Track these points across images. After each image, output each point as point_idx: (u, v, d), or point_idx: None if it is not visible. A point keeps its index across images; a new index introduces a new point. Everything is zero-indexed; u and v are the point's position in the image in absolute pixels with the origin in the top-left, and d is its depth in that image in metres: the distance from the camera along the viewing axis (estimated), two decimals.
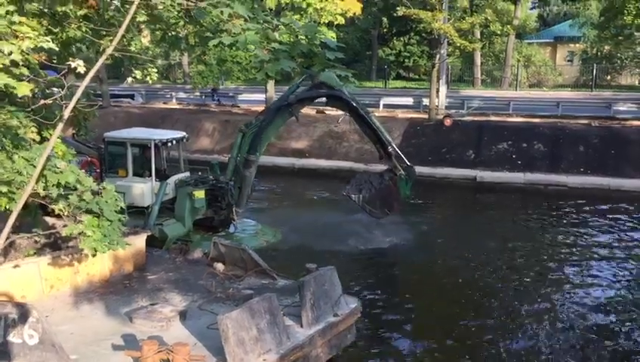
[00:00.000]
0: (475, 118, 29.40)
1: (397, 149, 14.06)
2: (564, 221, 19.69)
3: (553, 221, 19.80)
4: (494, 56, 47.99)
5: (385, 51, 50.22)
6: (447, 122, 28.00)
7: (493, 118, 29.69)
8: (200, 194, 15.26)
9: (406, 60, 49.68)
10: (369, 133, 16.15)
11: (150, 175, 15.22)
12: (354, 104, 14.67)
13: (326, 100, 17.08)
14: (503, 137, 26.83)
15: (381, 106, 32.86)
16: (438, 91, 30.23)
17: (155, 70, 10.07)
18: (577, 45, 49.57)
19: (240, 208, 15.94)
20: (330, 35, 24.42)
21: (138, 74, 9.20)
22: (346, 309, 9.80)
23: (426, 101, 31.22)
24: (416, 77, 51.13)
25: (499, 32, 34.65)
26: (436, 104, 29.98)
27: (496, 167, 25.30)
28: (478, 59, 43.26)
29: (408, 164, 13.93)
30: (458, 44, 28.45)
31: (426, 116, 29.86)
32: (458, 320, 12.11)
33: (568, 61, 50.43)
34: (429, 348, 11.13)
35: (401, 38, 49.48)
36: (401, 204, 13.96)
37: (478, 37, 36.04)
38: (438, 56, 29.52)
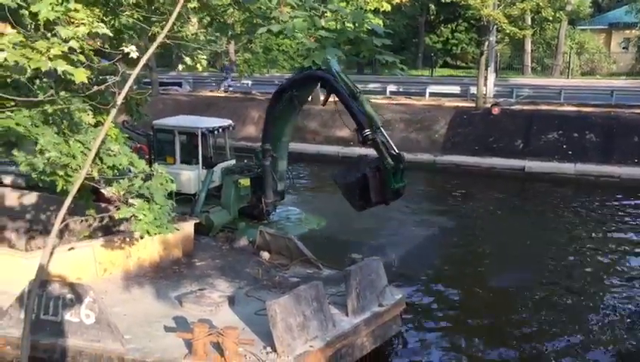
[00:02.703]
0: (525, 107, 28.68)
1: (386, 136, 13.07)
2: (617, 213, 19.05)
3: (605, 213, 19.17)
4: (545, 43, 46.63)
5: (432, 39, 49.45)
6: (495, 111, 27.41)
7: (543, 107, 28.91)
8: (245, 182, 15.37)
9: (454, 48, 48.80)
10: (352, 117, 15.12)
11: (197, 162, 15.41)
12: (336, 86, 13.80)
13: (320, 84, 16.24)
14: (553, 127, 26.11)
15: (427, 95, 32.44)
16: (486, 79, 29.59)
17: (205, 57, 10.16)
18: (633, 32, 47.60)
19: (267, 198, 15.31)
20: (377, 22, 24.15)
21: (188, 61, 9.29)
22: (391, 300, 9.76)
23: (473, 89, 30.63)
24: (464, 65, 50.21)
25: (551, 18, 33.53)
26: (484, 92, 29.37)
27: (545, 157, 24.66)
28: (528, 47, 42.14)
29: (396, 152, 12.81)
30: (508, 31, 27.72)
31: (473, 105, 29.31)
32: (502, 312, 11.89)
33: (623, 48, 48.53)
34: (473, 340, 10.96)
35: (449, 25, 48.61)
36: (388, 196, 12.73)
37: (529, 23, 35.03)
38: (486, 43, 28.87)
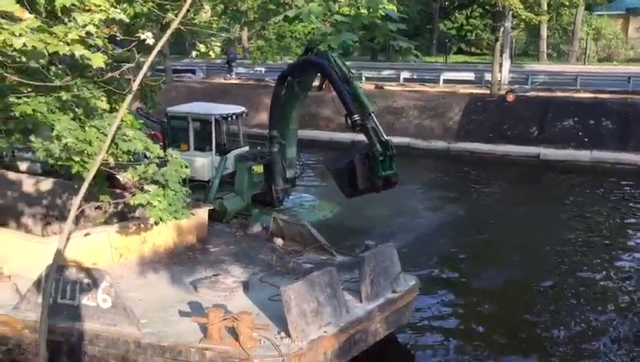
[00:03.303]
0: (540, 94, 28.37)
1: (376, 122, 12.81)
2: (633, 201, 18.87)
3: (621, 200, 19.00)
4: (561, 28, 46.00)
5: (446, 25, 49.00)
6: (510, 98, 27.16)
7: (558, 94, 28.58)
8: (259, 168, 15.42)
9: (468, 34, 48.36)
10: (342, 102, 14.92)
11: (211, 149, 15.47)
12: (329, 71, 13.54)
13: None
14: (568, 113, 25.82)
15: (441, 82, 32.19)
16: (501, 66, 29.29)
17: (218, 44, 10.18)
18: None
19: (277, 185, 15.41)
20: (391, 8, 23.98)
21: (202, 48, 9.31)
22: (404, 286, 9.76)
23: (488, 76, 30.31)
24: (478, 51, 49.75)
25: (567, 4, 33.10)
26: (499, 79, 29.09)
27: (561, 144, 24.42)
28: (544, 32, 41.60)
29: (385, 138, 12.53)
30: (523, 17, 27.39)
31: (487, 91, 29.05)
32: (515, 301, 11.87)
33: None
34: (487, 327, 10.97)
35: (464, 11, 48.12)
36: (377, 184, 12.47)
37: (545, 9, 34.58)
38: (501, 29, 28.55)
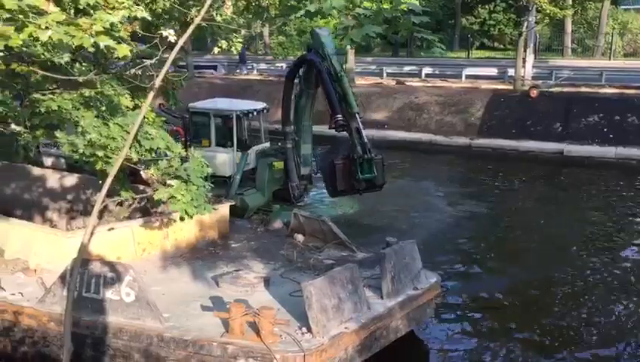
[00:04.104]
0: (564, 89, 27.98)
1: (359, 123, 12.60)
2: None
3: None
4: (587, 23, 45.23)
5: (469, 20, 48.49)
6: (534, 93, 26.81)
7: (583, 89, 28.16)
8: (280, 164, 15.41)
9: (491, 29, 47.76)
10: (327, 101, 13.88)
11: (232, 145, 15.51)
12: (319, 67, 13.33)
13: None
14: (593, 109, 25.43)
15: (463, 77, 31.93)
16: (524, 61, 28.94)
17: (240, 40, 10.20)
18: None
19: (292, 182, 15.01)
20: (413, 1, 23.82)
21: (224, 44, 9.34)
22: (425, 283, 9.71)
23: (511, 71, 30.01)
24: (501, 46, 49.14)
25: None
26: (522, 74, 28.75)
27: (585, 140, 24.07)
28: (568, 27, 40.96)
29: (364, 141, 12.36)
30: (548, 11, 27.04)
31: (510, 87, 28.74)
32: (537, 299, 11.73)
33: None
34: (509, 327, 10.85)
35: (487, 6, 47.53)
36: (357, 186, 12.36)
37: (570, 3, 34.07)
38: (525, 24, 28.21)
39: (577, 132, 24.68)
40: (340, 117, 12.13)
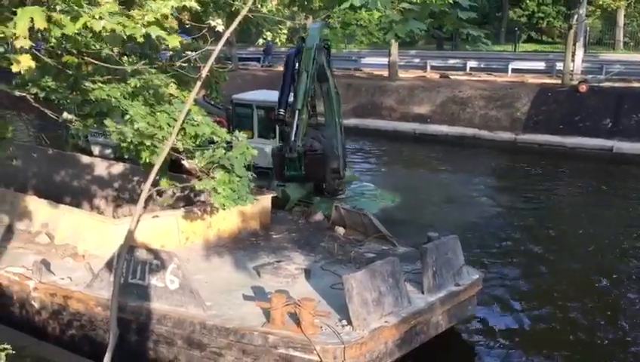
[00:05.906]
0: (615, 84, 27.10)
1: (297, 122, 12.87)
2: None
3: None
4: None
5: (516, 12, 47.40)
6: (583, 88, 26.05)
7: (635, 84, 27.25)
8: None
9: (539, 22, 46.56)
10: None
11: (274, 137, 15.62)
12: (288, 61, 13.51)
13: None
14: None
15: (509, 71, 31.31)
16: (573, 55, 28.18)
17: (285, 32, 10.21)
18: None
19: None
20: None
21: (269, 35, 9.37)
22: (467, 280, 9.57)
23: (559, 65, 29.23)
24: (550, 40, 47.91)
25: None
26: (571, 69, 27.99)
27: (636, 137, 23.26)
28: (621, 20, 39.64)
29: (293, 140, 12.77)
30: (599, 3, 26.22)
31: (559, 82, 28.01)
32: (579, 302, 11.41)
33: None
34: (551, 328, 10.59)
35: None
36: (286, 179, 13.19)
37: None
38: (575, 16, 27.46)
39: (628, 128, 23.90)
40: (282, 111, 12.92)
